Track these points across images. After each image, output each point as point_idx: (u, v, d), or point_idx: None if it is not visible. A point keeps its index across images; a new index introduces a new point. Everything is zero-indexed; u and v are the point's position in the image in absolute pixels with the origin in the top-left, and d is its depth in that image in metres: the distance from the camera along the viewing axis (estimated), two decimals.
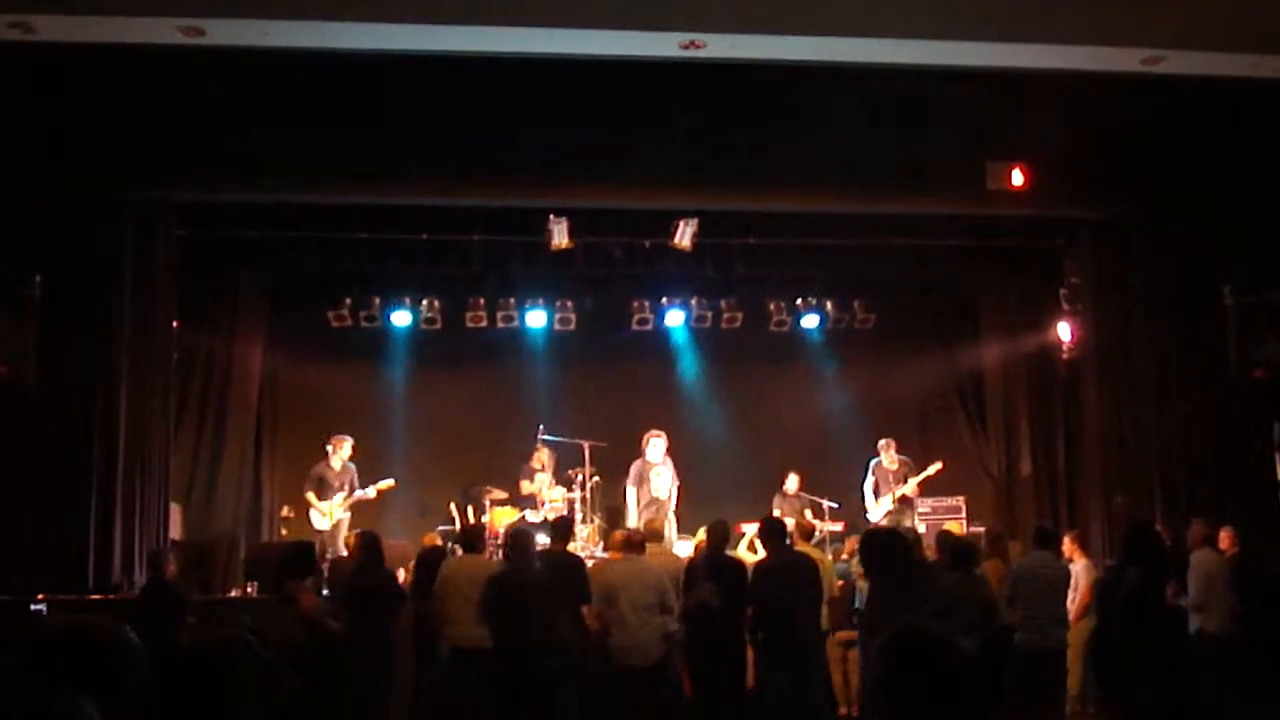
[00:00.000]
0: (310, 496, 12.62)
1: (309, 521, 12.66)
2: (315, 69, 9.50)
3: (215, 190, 11.25)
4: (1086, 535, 11.52)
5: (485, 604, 8.06)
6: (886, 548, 7.51)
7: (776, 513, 12.88)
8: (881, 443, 13.41)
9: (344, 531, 12.46)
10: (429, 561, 9.25)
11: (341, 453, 12.73)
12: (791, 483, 13.44)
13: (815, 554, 9.74)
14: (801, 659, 8.57)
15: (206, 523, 13.28)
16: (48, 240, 10.45)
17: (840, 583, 10.12)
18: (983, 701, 7.02)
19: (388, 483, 12.87)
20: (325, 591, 10.78)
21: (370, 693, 8.41)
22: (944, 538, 9.72)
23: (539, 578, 8.13)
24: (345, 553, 11.92)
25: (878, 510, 13.18)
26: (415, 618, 8.95)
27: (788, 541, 9.02)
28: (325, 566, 11.57)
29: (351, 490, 12.68)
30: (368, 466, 13.50)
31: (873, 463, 13.38)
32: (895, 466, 13.25)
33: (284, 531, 13.28)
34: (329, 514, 12.55)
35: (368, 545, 9.25)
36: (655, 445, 12.76)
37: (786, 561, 8.74)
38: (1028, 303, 14.32)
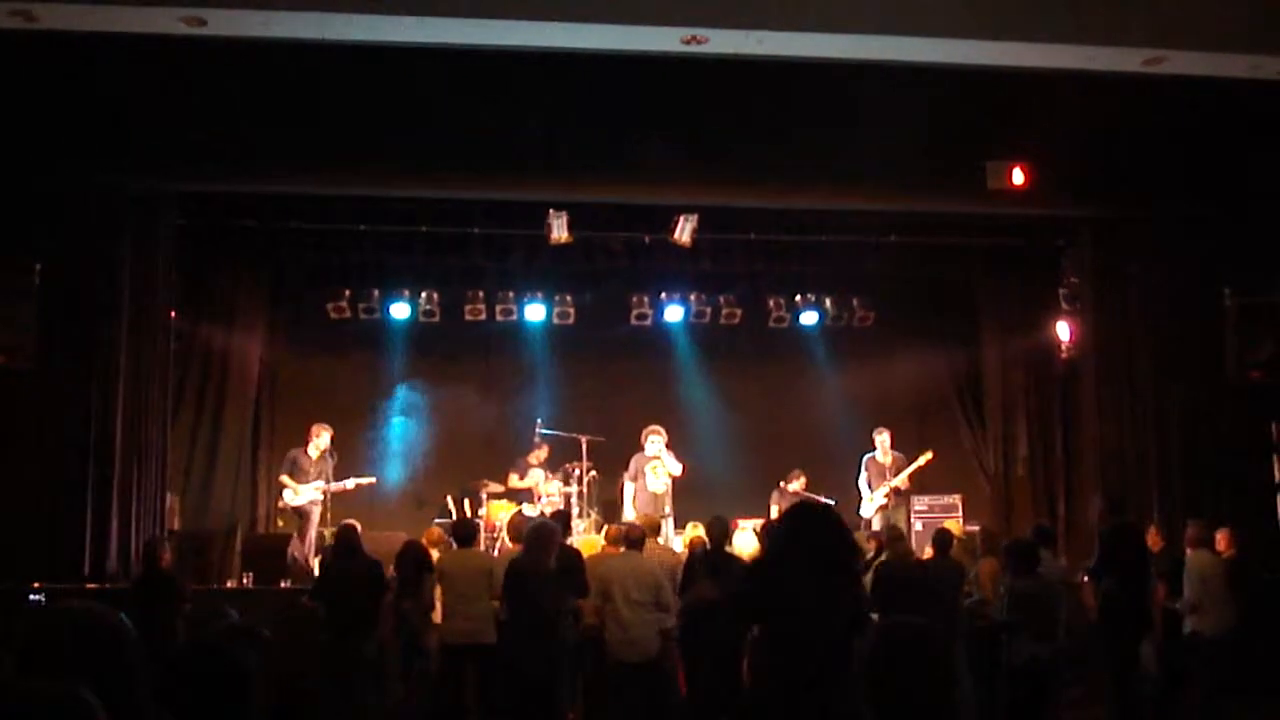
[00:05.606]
0: (284, 478, 12.58)
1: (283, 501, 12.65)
2: (315, 60, 9.48)
3: (215, 180, 11.24)
4: (1083, 534, 11.53)
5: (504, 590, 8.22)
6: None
7: (775, 509, 12.90)
8: (876, 431, 13.38)
9: (315, 517, 12.46)
10: (409, 557, 9.22)
11: (318, 441, 12.64)
12: (794, 481, 13.40)
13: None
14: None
15: (203, 513, 13.27)
16: (47, 228, 10.47)
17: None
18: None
19: (368, 479, 12.87)
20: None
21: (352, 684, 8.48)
22: (941, 535, 9.71)
23: (550, 573, 8.13)
24: (300, 538, 12.21)
25: (870, 505, 13.15)
26: (399, 613, 8.96)
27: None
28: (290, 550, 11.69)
29: (327, 479, 12.60)
30: (366, 458, 13.52)
31: (865, 458, 13.38)
32: (889, 461, 13.21)
33: (280, 523, 13.29)
34: (299, 492, 12.43)
35: (340, 537, 9.42)
36: (654, 441, 12.75)
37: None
38: (1027, 302, 14.31)
